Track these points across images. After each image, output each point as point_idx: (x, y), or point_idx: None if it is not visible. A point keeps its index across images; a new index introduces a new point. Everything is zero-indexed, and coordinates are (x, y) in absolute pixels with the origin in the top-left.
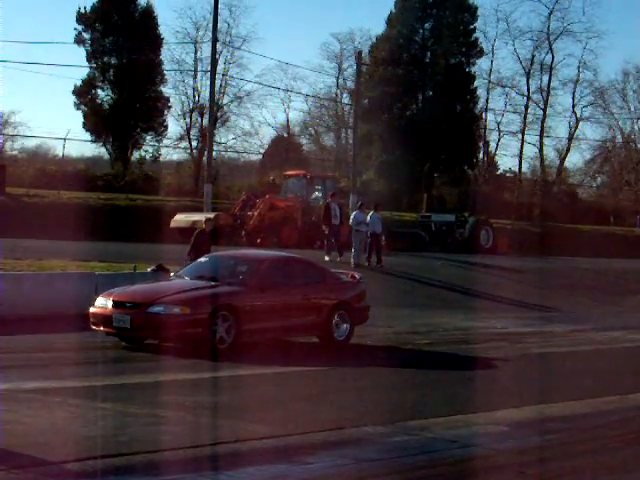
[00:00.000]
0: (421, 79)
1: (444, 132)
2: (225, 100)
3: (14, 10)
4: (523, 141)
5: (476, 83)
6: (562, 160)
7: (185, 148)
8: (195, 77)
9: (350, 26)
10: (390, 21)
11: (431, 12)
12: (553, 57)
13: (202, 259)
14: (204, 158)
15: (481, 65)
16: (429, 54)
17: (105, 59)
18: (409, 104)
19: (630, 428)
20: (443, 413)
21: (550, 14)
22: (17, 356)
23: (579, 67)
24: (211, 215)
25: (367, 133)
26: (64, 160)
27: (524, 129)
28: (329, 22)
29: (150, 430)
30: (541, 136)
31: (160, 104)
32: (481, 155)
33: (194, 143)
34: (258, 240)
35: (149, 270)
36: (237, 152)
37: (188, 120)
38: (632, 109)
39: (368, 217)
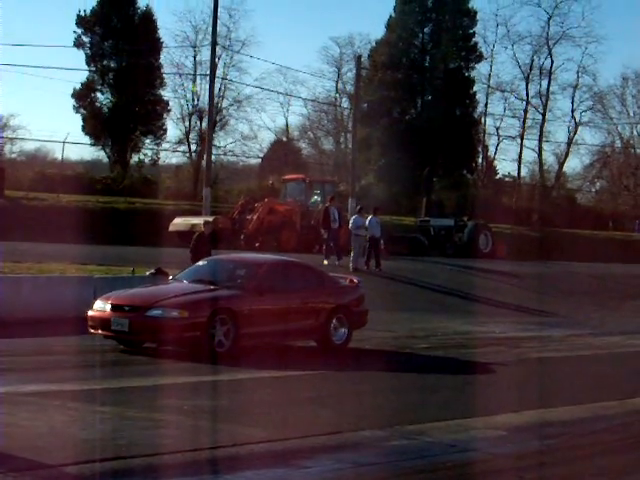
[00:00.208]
0: (420, 83)
1: (443, 136)
2: (224, 104)
3: (13, 13)
4: (522, 146)
5: (475, 87)
6: (561, 165)
7: (184, 152)
8: (194, 81)
9: (349, 30)
10: (389, 25)
11: (430, 16)
12: (552, 62)
13: (201, 263)
14: (203, 162)
15: (480, 69)
16: (428, 58)
17: (104, 62)
18: (408, 108)
19: (629, 433)
20: (442, 417)
21: (549, 19)
22: (16, 359)
23: (578, 72)
24: (210, 218)
25: (366, 137)
26: (63, 163)
27: (523, 134)
28: (328, 26)
29: (148, 434)
30: (540, 141)
31: (159, 107)
32: (480, 159)
33: (193, 147)
34: (257, 244)
35: (148, 274)
36: (236, 156)
37: (187, 124)
38: (631, 114)
39: (367, 221)
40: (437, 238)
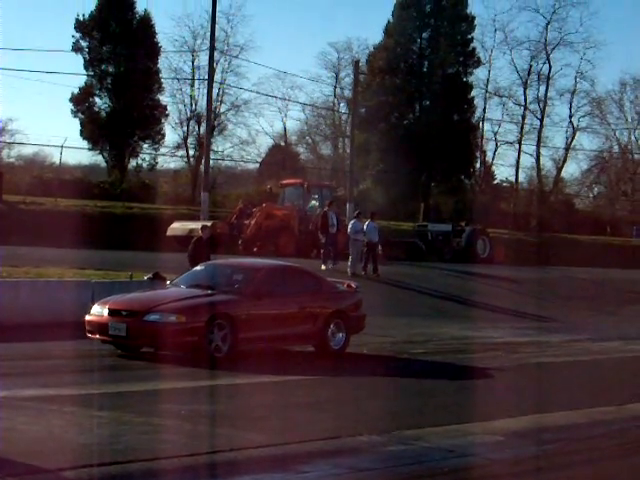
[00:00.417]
0: (418, 89)
1: (441, 142)
2: (222, 109)
3: (11, 17)
4: (520, 151)
5: (473, 93)
6: (559, 170)
7: (182, 156)
8: (192, 85)
9: (348, 35)
10: (388, 30)
11: (429, 22)
12: (550, 67)
13: (198, 267)
14: (201, 166)
15: (478, 75)
16: (426, 64)
17: (103, 67)
18: (406, 113)
19: (627, 438)
20: (439, 422)
21: (547, 24)
22: (13, 364)
23: (576, 77)
24: (208, 223)
25: (364, 142)
26: (61, 168)
27: (521, 139)
28: (327, 31)
29: (146, 438)
30: (538, 146)
31: (157, 112)
32: (478, 165)
33: (191, 151)
34: (255, 249)
35: (145, 278)
36: (234, 161)
37: (185, 128)
38: (629, 119)
39: (364, 226)
40: (435, 243)
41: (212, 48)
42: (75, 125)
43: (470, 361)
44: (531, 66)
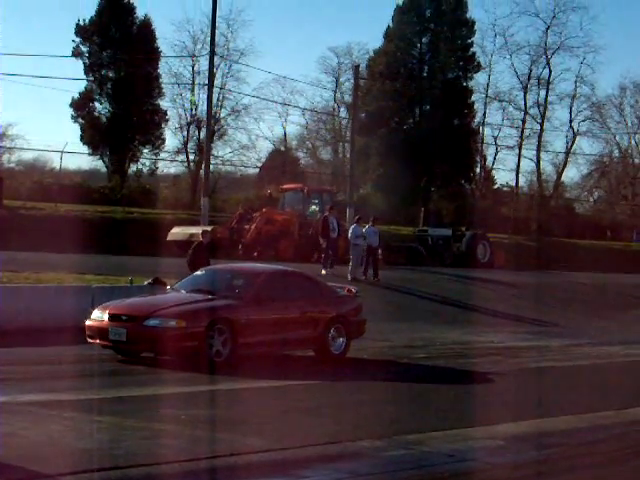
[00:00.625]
0: (418, 93)
1: (441, 146)
2: (222, 113)
3: (12, 22)
4: (520, 155)
5: (473, 97)
6: (559, 174)
7: (182, 161)
8: (193, 90)
9: (348, 40)
10: (388, 35)
11: (429, 26)
12: (550, 72)
13: (198, 272)
14: (201, 171)
15: (478, 79)
16: (426, 68)
17: (103, 72)
18: (406, 118)
19: (627, 443)
20: (440, 427)
21: (547, 29)
22: (13, 369)
23: (576, 82)
24: (208, 228)
25: (364, 147)
26: (61, 173)
27: (521, 143)
28: (327, 36)
29: (146, 443)
30: (538, 150)
31: (157, 117)
32: (478, 169)
33: (191, 156)
34: (255, 253)
35: (146, 283)
36: (234, 165)
37: (185, 133)
38: (629, 124)
39: (364, 230)
40: (435, 248)
41: (212, 53)
42: (75, 130)
43: (470, 366)
44: (531, 70)
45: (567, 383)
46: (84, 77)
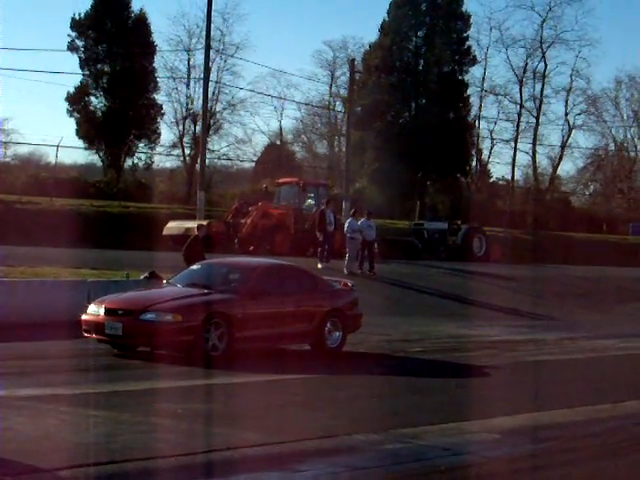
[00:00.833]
0: (414, 87)
1: (437, 140)
2: (218, 107)
3: (7, 17)
4: (516, 149)
5: (469, 91)
6: (555, 168)
7: (178, 155)
8: (188, 85)
9: (343, 34)
10: (383, 29)
11: (424, 20)
12: (546, 65)
13: (194, 267)
14: (197, 165)
15: (474, 73)
16: (422, 62)
17: (98, 66)
18: (402, 112)
19: (622, 436)
20: (436, 421)
21: (543, 22)
22: (9, 363)
23: (572, 75)
24: (203, 222)
25: (360, 141)
26: (57, 167)
27: (517, 137)
28: (322, 30)
29: (143, 438)
30: (534, 144)
31: (153, 111)
32: (474, 163)
33: (187, 150)
34: (251, 248)
35: (142, 277)
36: (230, 160)
37: (181, 127)
38: (625, 117)
39: (358, 223)
40: (431, 241)
41: (208, 47)
42: (71, 124)
43: (466, 359)
44: (527, 64)
45: (563, 376)
46: (79, 71)
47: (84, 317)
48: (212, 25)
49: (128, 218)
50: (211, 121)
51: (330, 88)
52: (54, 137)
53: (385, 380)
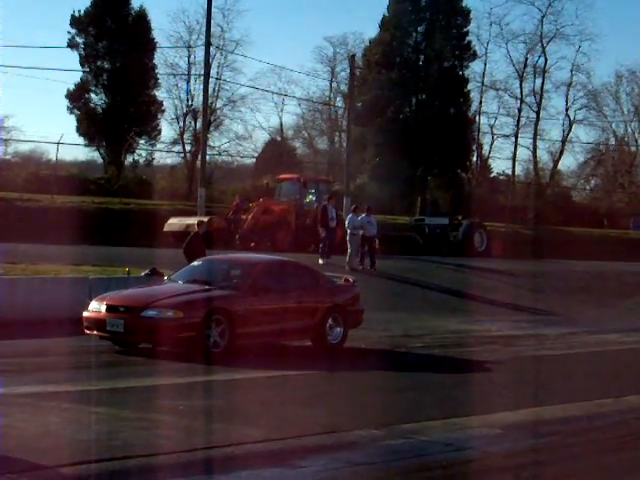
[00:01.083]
0: (414, 82)
1: (437, 135)
2: (219, 104)
3: (7, 14)
4: (516, 144)
5: (469, 86)
6: (556, 163)
7: (179, 152)
8: (189, 81)
9: (343, 30)
10: (383, 24)
11: (424, 16)
12: (546, 60)
13: (195, 263)
14: (198, 162)
15: (474, 68)
16: (422, 57)
17: (98, 63)
18: (402, 107)
19: (624, 431)
20: (437, 416)
21: (543, 17)
22: (11, 360)
23: (572, 70)
24: (204, 218)
25: (360, 136)
26: (57, 164)
27: (517, 132)
28: (322, 26)
29: (144, 434)
30: (534, 139)
31: (153, 108)
32: (475, 158)
33: (188, 147)
34: (252, 244)
35: (143, 274)
36: (231, 156)
37: (181, 124)
38: (625, 112)
39: (359, 219)
40: (432, 237)
41: (208, 43)
42: (71, 121)
43: (468, 354)
44: (527, 59)
45: (564, 371)
46: (80, 68)
47: (85, 314)
48: (212, 21)
49: (129, 215)
50: (212, 117)
51: (330, 84)
52: (55, 134)
53: (386, 376)
